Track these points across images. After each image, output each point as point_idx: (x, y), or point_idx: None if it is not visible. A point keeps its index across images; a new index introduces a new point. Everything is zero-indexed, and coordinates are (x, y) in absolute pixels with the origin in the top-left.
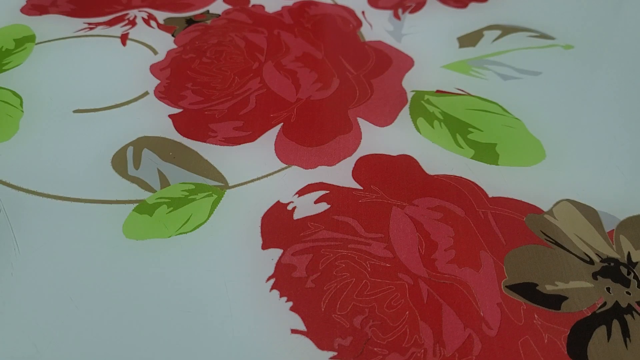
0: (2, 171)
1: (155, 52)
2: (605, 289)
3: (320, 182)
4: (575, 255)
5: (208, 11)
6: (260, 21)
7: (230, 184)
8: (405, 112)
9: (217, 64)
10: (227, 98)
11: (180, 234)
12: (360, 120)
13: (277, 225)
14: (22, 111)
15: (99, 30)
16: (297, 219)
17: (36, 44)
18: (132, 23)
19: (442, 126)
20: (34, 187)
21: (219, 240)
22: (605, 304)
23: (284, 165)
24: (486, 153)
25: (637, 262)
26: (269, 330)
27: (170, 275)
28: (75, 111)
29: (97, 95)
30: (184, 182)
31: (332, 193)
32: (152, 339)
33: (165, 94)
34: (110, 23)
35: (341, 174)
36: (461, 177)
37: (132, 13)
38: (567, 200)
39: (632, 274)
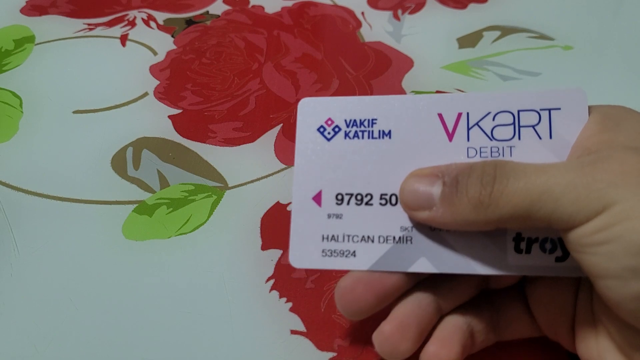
0: (2, 171)
1: (155, 53)
2: None
3: None
4: None
5: (208, 12)
6: (259, 22)
7: (230, 185)
8: None
9: (217, 64)
10: (227, 99)
11: (180, 234)
12: None
13: (277, 225)
14: (22, 112)
15: (98, 31)
16: None
17: (36, 44)
18: (132, 24)
19: None
20: (33, 187)
21: (218, 241)
22: None
23: (284, 166)
24: None
25: None
26: (269, 330)
27: (170, 275)
28: (75, 112)
29: (96, 96)
30: (184, 183)
31: None
32: (152, 340)
33: (164, 94)
34: (109, 24)
35: None
36: None
37: (131, 14)
38: None
39: None
